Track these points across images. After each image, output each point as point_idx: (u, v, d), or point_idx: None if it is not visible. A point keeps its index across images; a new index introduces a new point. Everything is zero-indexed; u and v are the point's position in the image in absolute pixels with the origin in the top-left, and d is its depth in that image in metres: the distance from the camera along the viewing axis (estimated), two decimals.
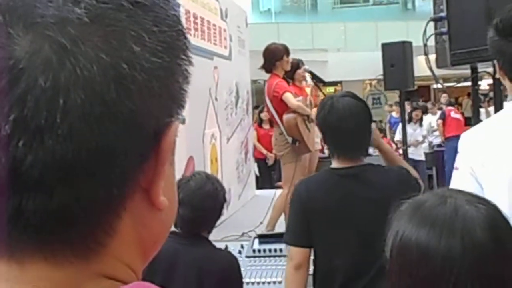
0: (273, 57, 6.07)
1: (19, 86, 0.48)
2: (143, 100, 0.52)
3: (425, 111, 13.31)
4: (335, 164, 2.79)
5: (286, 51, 6.15)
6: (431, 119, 13.10)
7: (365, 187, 2.70)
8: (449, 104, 13.04)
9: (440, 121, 12.56)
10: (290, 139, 5.79)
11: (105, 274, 0.55)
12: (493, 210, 1.26)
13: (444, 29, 3.71)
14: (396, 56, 8.88)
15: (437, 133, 12.86)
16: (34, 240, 0.51)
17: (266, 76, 6.20)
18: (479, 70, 3.99)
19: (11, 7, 0.50)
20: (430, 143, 12.68)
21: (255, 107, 11.08)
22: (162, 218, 0.59)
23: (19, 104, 0.48)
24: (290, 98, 5.81)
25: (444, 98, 13.88)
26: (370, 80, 20.83)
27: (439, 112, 13.29)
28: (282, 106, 5.81)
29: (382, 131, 13.39)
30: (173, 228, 2.72)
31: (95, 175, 0.51)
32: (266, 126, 10.82)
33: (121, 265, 0.56)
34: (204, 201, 2.67)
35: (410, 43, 8.89)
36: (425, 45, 3.85)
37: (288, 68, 6.18)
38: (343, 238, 2.68)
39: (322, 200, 2.71)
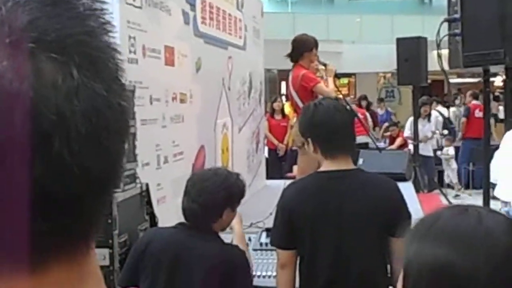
0: (302, 47, 5.95)
1: None
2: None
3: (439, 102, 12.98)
4: (324, 167, 2.85)
5: (315, 44, 6.03)
6: (440, 112, 12.49)
7: (349, 195, 2.74)
8: (474, 97, 12.10)
9: (464, 119, 12.04)
10: None
11: None
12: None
13: (458, 31, 3.73)
14: (411, 51, 8.87)
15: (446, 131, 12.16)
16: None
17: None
18: (491, 70, 4.02)
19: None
20: (439, 140, 12.07)
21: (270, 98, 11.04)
22: None
23: None
24: (323, 88, 5.75)
25: (469, 92, 12.72)
26: (384, 73, 20.77)
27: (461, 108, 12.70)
28: (309, 97, 5.63)
29: (396, 124, 13.12)
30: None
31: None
32: (278, 116, 10.82)
33: None
34: (200, 195, 2.73)
35: (425, 38, 8.87)
36: (438, 45, 3.87)
37: (315, 61, 6.05)
38: (324, 244, 2.75)
39: (306, 205, 2.77)
